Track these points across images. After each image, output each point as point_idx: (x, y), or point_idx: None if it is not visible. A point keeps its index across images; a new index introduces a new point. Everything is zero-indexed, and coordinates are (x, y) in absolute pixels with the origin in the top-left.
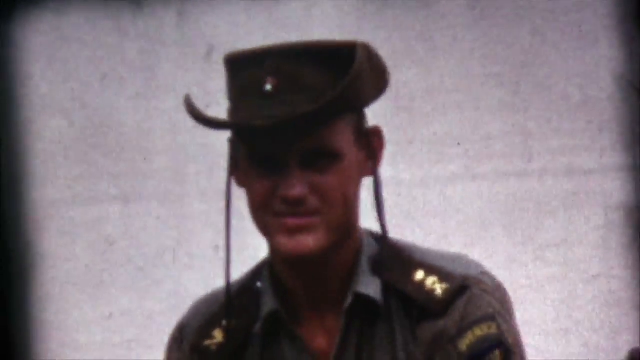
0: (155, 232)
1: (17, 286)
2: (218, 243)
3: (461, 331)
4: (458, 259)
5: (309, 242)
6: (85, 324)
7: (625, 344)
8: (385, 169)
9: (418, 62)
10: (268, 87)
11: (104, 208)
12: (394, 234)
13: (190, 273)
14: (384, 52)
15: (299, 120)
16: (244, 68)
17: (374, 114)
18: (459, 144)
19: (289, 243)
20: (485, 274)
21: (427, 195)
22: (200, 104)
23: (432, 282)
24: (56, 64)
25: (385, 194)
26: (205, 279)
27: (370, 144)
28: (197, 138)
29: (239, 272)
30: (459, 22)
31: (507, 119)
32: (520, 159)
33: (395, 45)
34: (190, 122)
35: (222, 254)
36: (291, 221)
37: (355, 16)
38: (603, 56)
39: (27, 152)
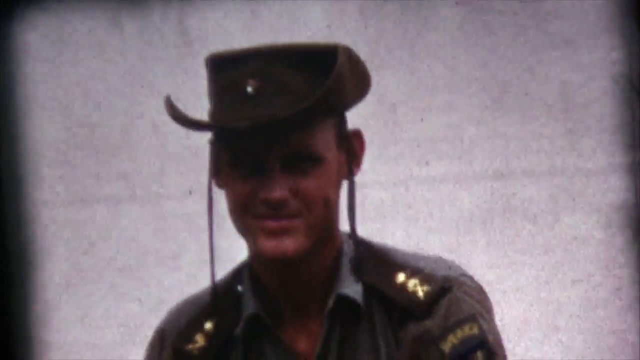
0: (138, 233)
1: (22, 281)
2: (201, 243)
3: (444, 333)
4: (437, 261)
5: (290, 244)
6: (68, 324)
7: (609, 347)
8: (368, 171)
9: (401, 65)
10: (250, 89)
11: (88, 209)
12: (377, 234)
13: (174, 274)
14: (368, 54)
15: (280, 123)
16: (225, 70)
17: (357, 116)
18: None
19: (269, 245)
20: (465, 275)
21: (412, 197)
22: (199, 105)
23: (413, 284)
24: (56, 64)
25: (368, 195)
26: (188, 280)
27: (351, 147)
28: (183, 139)
29: (220, 272)
30: (443, 25)
31: (500, 118)
32: (517, 159)
33: (379, 48)
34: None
35: (205, 254)
36: (272, 224)
37: (340, 19)
38: (603, 56)
39: (19, 153)
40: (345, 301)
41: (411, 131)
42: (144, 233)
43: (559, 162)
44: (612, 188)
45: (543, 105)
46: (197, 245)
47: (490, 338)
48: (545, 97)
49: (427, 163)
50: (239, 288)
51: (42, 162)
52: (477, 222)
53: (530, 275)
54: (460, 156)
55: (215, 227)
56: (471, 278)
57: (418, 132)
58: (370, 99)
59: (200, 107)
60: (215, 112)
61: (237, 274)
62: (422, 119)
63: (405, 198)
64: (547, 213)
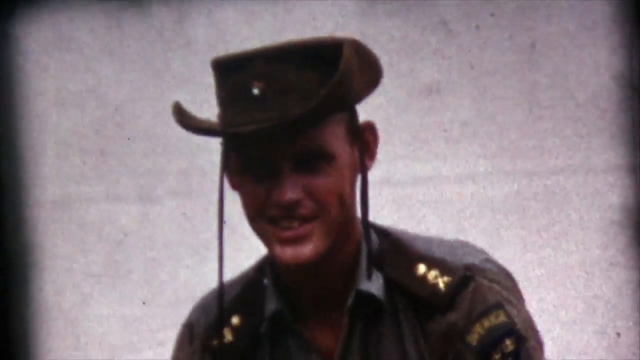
0: (168, 225)
1: (23, 281)
2: (230, 234)
3: (469, 325)
4: (460, 247)
5: (307, 250)
6: (99, 317)
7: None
8: (399, 160)
9: (432, 52)
10: (255, 91)
11: (117, 201)
12: (407, 227)
13: (203, 265)
14: (397, 41)
15: (289, 124)
16: (230, 72)
17: (387, 104)
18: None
19: (286, 253)
20: (489, 260)
21: (440, 186)
22: (200, 104)
23: (434, 275)
24: (56, 64)
25: (397, 186)
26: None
27: (363, 140)
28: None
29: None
30: (473, 12)
31: (515, 117)
32: (519, 157)
33: (409, 34)
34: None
35: (235, 245)
36: (288, 234)
37: (368, 5)
38: (603, 56)
39: (19, 153)
40: (366, 297)
41: (442, 119)
42: (175, 224)
43: (558, 162)
44: (612, 188)
45: (543, 105)
46: (226, 236)
47: (519, 323)
48: (545, 97)
49: (457, 151)
50: (265, 281)
51: (40, 162)
52: (494, 217)
53: (562, 261)
54: (484, 149)
55: (225, 227)
56: (495, 262)
57: (449, 119)
58: (400, 86)
59: (201, 107)
60: (223, 116)
61: (261, 267)
62: (453, 107)
63: (435, 188)
64: (552, 210)
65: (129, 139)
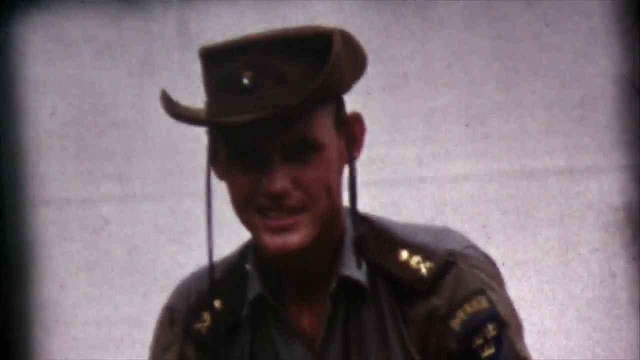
0: (150, 212)
1: (21, 281)
2: (215, 220)
3: (452, 310)
4: (441, 233)
5: (294, 240)
6: (83, 303)
7: (620, 321)
8: (379, 147)
9: (412, 38)
10: (245, 81)
11: (99, 188)
12: (388, 212)
13: (187, 250)
14: (378, 27)
15: (280, 115)
16: (219, 61)
17: (368, 92)
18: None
19: (274, 242)
20: (471, 246)
21: (422, 172)
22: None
23: (416, 261)
24: (56, 64)
25: (380, 171)
26: (202, 257)
27: (351, 131)
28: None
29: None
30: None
31: (510, 116)
32: (518, 158)
33: (390, 20)
34: None
35: (218, 231)
36: (276, 223)
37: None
38: (603, 56)
39: (19, 152)
40: (349, 282)
41: (422, 105)
42: (157, 211)
43: (558, 162)
44: (612, 188)
45: (543, 105)
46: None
47: (501, 309)
48: (545, 97)
49: (438, 137)
50: (247, 267)
51: (42, 160)
52: (493, 215)
53: (546, 247)
54: (473, 134)
55: (213, 216)
56: (476, 248)
57: (430, 106)
58: (380, 73)
59: (199, 105)
60: (212, 105)
61: (243, 252)
62: (433, 93)
63: (417, 174)
64: (552, 210)
65: (128, 138)
